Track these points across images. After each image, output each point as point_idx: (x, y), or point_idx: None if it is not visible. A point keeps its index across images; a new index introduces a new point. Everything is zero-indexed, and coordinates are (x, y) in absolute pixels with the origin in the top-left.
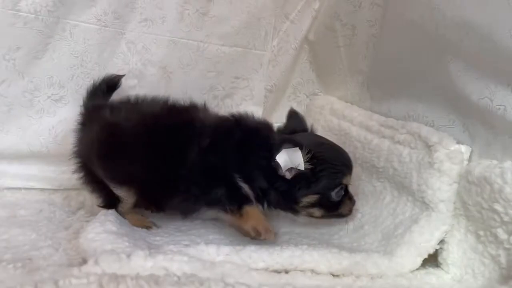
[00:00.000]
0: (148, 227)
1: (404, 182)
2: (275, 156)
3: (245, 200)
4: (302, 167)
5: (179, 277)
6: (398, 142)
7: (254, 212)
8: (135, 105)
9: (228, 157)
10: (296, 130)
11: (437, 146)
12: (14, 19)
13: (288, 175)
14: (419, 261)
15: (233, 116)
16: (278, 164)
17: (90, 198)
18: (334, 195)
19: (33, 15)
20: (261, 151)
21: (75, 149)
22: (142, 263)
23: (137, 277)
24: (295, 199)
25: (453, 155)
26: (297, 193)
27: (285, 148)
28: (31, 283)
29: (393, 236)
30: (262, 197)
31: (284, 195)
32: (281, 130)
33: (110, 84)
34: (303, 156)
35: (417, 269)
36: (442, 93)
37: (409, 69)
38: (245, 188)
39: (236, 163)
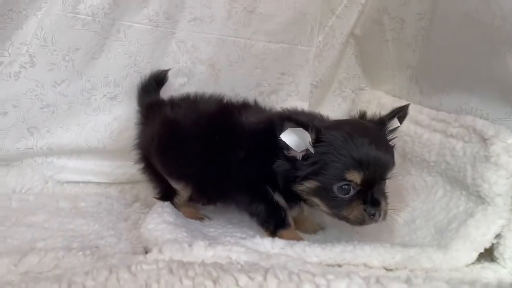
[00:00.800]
0: (201, 219)
1: (457, 176)
2: (278, 134)
3: (282, 222)
4: (302, 147)
5: (242, 265)
6: (451, 136)
7: (288, 235)
8: (193, 103)
9: (261, 169)
10: None
11: (493, 139)
12: (73, 21)
13: (287, 153)
14: (474, 255)
15: (269, 121)
16: (283, 142)
17: (143, 192)
18: (337, 190)
19: (91, 18)
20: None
21: (137, 141)
22: (203, 252)
23: (203, 264)
24: (295, 179)
25: (510, 149)
26: (296, 172)
27: (287, 127)
28: (106, 267)
29: (447, 230)
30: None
31: (287, 173)
32: None
33: (158, 79)
34: (308, 137)
35: (472, 263)
36: (497, 86)
37: (461, 62)
38: (281, 201)
39: (266, 174)
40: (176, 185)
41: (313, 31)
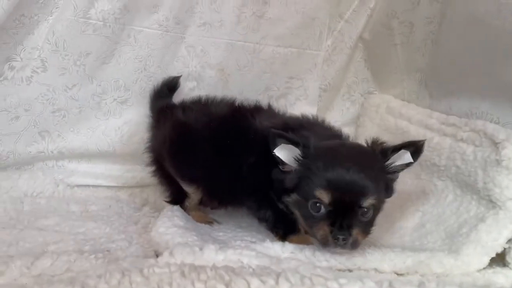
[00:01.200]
0: (210, 223)
1: (468, 180)
2: (272, 149)
3: (291, 227)
4: (294, 162)
5: (253, 269)
6: (461, 140)
7: (298, 240)
8: (205, 106)
9: (269, 175)
10: None
11: (504, 143)
12: (84, 26)
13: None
14: (486, 260)
15: (284, 126)
16: (277, 157)
17: (153, 195)
18: (310, 206)
19: (102, 23)
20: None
21: (148, 144)
22: (214, 256)
23: (215, 267)
24: (285, 190)
25: None
26: (285, 184)
27: (280, 143)
28: (119, 270)
29: (458, 234)
30: None
31: (279, 183)
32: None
33: (170, 86)
34: (298, 152)
35: (484, 268)
36: (508, 90)
37: (471, 66)
38: (284, 209)
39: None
40: (187, 187)
41: (322, 35)
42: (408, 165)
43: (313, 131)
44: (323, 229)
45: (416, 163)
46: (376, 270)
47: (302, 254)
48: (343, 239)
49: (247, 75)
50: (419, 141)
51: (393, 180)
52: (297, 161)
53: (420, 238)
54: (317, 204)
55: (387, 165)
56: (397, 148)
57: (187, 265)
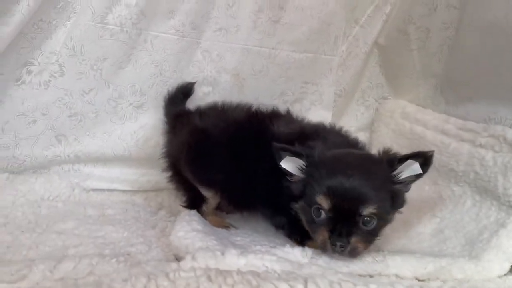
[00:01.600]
0: (227, 227)
1: (487, 186)
2: (278, 162)
3: (308, 234)
4: (294, 170)
5: (279, 274)
6: (480, 146)
7: (315, 245)
8: (221, 112)
9: (281, 183)
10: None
11: None
12: (102, 31)
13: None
14: (507, 266)
15: (301, 132)
16: (284, 169)
17: (167, 199)
18: (313, 211)
19: (119, 28)
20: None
21: (165, 149)
22: (236, 260)
23: (240, 272)
24: (293, 198)
25: None
26: (293, 191)
27: (285, 155)
28: (144, 274)
29: (478, 240)
30: None
31: (288, 190)
32: None
33: (185, 91)
34: (302, 163)
35: (505, 274)
36: None
37: (489, 71)
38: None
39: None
40: (206, 192)
41: (337, 40)
42: (417, 176)
43: (327, 138)
44: (322, 235)
45: (433, 168)
46: (397, 276)
47: (322, 260)
48: (341, 246)
49: (262, 80)
50: (428, 152)
51: (401, 191)
52: (301, 170)
53: (439, 244)
54: (319, 210)
55: (393, 175)
56: (404, 158)
57: (212, 269)
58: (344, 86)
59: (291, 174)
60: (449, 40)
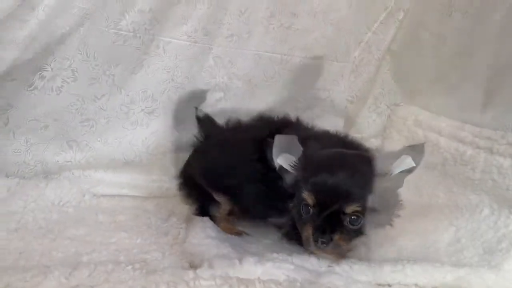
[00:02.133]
0: (239, 234)
1: (506, 194)
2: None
3: None
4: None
5: (301, 283)
6: (497, 153)
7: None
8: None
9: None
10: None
11: None
12: (115, 37)
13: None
14: None
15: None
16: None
17: (178, 206)
18: (301, 207)
19: (132, 33)
20: None
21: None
22: (253, 268)
23: (261, 280)
24: (289, 197)
25: None
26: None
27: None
28: (164, 282)
29: (497, 250)
30: None
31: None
32: None
33: (197, 99)
34: (292, 159)
35: None
36: None
37: (504, 78)
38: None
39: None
40: (219, 198)
41: (349, 47)
42: (410, 170)
43: (324, 140)
44: (307, 231)
45: (447, 176)
46: (416, 285)
47: (340, 268)
48: (322, 242)
49: (274, 86)
50: (419, 144)
51: (391, 188)
52: (293, 167)
53: (456, 253)
54: (307, 207)
55: (383, 172)
56: (395, 153)
57: (233, 277)
58: (356, 92)
59: (284, 171)
60: (464, 47)
